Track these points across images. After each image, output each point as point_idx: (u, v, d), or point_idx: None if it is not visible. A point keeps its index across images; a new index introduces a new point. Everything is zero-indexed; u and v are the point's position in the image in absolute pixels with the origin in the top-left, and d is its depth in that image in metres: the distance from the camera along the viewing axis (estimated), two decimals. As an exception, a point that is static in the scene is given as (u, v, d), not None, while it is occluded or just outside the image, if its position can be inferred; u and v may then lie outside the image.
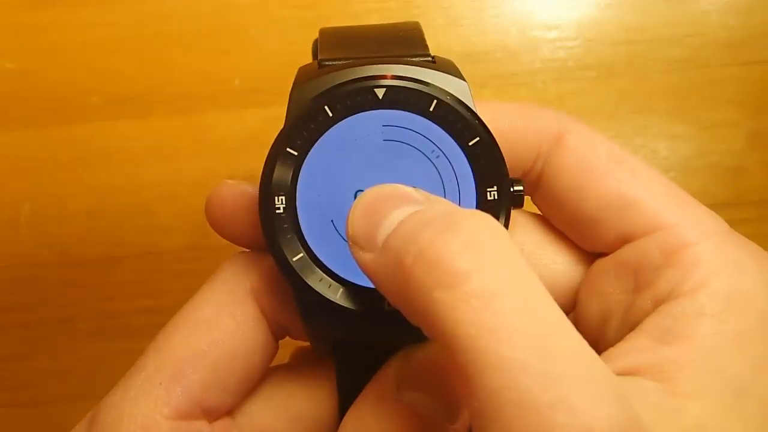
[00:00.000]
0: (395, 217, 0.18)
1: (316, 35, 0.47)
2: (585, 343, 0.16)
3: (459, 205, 0.21)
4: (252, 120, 0.43)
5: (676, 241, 0.21)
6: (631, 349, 0.19)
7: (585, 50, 0.44)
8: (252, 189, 0.22)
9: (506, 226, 0.21)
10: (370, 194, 0.19)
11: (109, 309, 0.41)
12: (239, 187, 0.22)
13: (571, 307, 0.24)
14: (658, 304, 0.20)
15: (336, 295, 0.21)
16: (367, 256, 0.18)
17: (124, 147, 0.43)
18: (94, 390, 0.41)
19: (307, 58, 0.43)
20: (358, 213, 0.18)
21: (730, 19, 0.44)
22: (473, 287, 0.16)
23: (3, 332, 0.41)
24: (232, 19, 0.44)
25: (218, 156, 0.42)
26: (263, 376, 0.23)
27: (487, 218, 0.17)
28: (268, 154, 0.21)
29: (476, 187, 0.21)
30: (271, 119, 0.43)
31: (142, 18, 0.44)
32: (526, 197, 0.22)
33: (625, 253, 0.22)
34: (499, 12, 0.44)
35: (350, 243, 0.18)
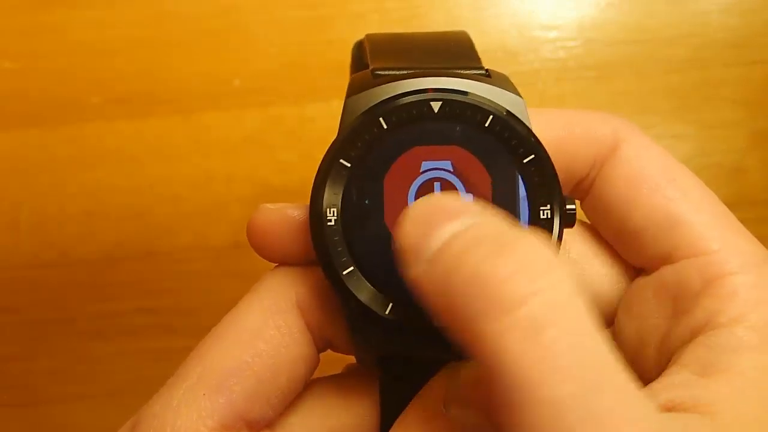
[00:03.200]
0: (447, 230, 0.17)
1: (317, 35, 0.47)
2: (630, 380, 0.16)
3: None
4: (252, 120, 0.43)
5: (716, 269, 0.20)
6: (674, 384, 0.19)
7: (585, 50, 0.44)
8: (293, 211, 0.22)
9: (559, 245, 0.21)
10: (421, 204, 0.18)
11: (108, 309, 0.41)
12: (280, 212, 0.22)
13: (610, 321, 0.23)
14: (695, 333, 0.20)
15: (385, 310, 0.20)
16: (413, 270, 0.17)
17: (124, 147, 0.43)
18: (93, 390, 0.41)
19: (308, 58, 0.44)
20: (408, 223, 0.18)
21: (731, 19, 0.44)
22: (523, 314, 0.15)
23: (3, 332, 0.41)
24: (233, 20, 0.44)
25: (218, 156, 0.42)
26: (304, 387, 0.22)
27: (542, 241, 0.17)
28: (321, 164, 0.21)
29: (530, 205, 0.21)
30: (271, 119, 0.43)
31: (142, 18, 0.44)
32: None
33: (665, 275, 0.22)
34: (499, 12, 0.44)
35: (398, 254, 0.18)
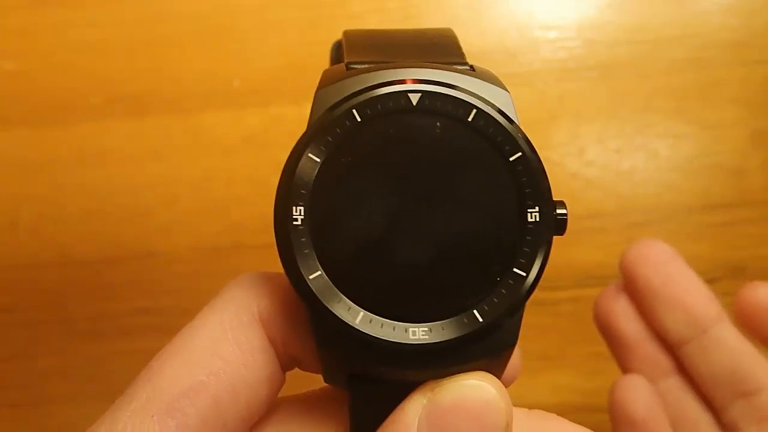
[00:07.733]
0: None
1: (316, 35, 0.47)
2: None
3: (498, 226, 0.19)
4: (251, 120, 0.43)
5: None
6: None
7: (585, 50, 0.44)
8: None
9: (547, 255, 0.19)
10: None
11: (108, 309, 0.41)
12: None
13: None
14: None
15: (355, 319, 0.19)
16: None
17: (123, 147, 0.43)
18: (93, 390, 0.41)
19: (308, 59, 0.44)
20: None
21: (732, 20, 0.44)
22: None
23: (3, 332, 0.41)
24: (232, 20, 0.44)
25: (217, 156, 0.42)
26: (268, 409, 0.21)
27: None
28: (288, 159, 0.19)
29: (516, 208, 0.19)
30: (270, 119, 0.43)
31: (140, 18, 0.44)
32: None
33: None
34: (499, 12, 0.44)
35: None
